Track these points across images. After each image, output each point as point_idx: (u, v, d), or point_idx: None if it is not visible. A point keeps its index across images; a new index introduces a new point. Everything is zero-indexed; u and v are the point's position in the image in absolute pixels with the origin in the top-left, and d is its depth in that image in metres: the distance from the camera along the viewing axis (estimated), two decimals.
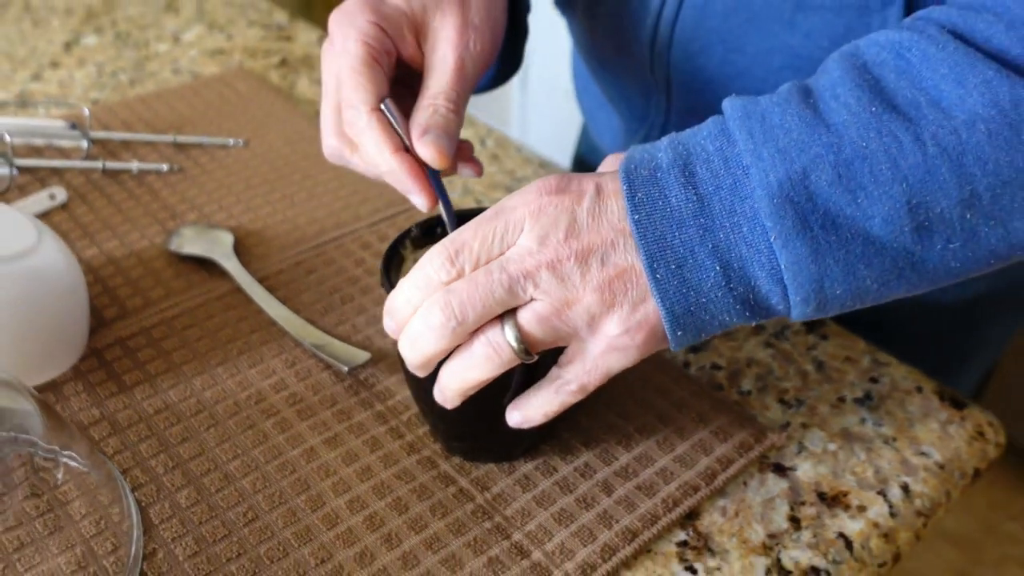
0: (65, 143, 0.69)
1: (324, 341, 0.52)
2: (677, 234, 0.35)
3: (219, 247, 0.59)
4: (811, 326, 0.55)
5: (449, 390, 0.38)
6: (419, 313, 0.36)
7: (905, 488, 0.46)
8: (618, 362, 0.37)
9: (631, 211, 0.35)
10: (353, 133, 0.43)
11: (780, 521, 0.44)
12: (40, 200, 0.63)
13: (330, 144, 0.45)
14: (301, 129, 0.73)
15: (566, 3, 0.64)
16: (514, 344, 0.36)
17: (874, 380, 0.52)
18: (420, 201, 0.42)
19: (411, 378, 0.42)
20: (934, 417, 0.49)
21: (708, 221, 0.34)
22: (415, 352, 0.37)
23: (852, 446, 0.48)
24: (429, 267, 0.36)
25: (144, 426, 0.47)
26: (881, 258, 0.34)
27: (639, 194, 0.35)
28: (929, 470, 0.47)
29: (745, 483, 0.46)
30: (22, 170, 0.66)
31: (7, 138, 0.65)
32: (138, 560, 0.41)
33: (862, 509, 0.44)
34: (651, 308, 0.35)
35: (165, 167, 0.67)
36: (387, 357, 0.51)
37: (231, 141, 0.70)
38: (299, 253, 0.59)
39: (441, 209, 0.43)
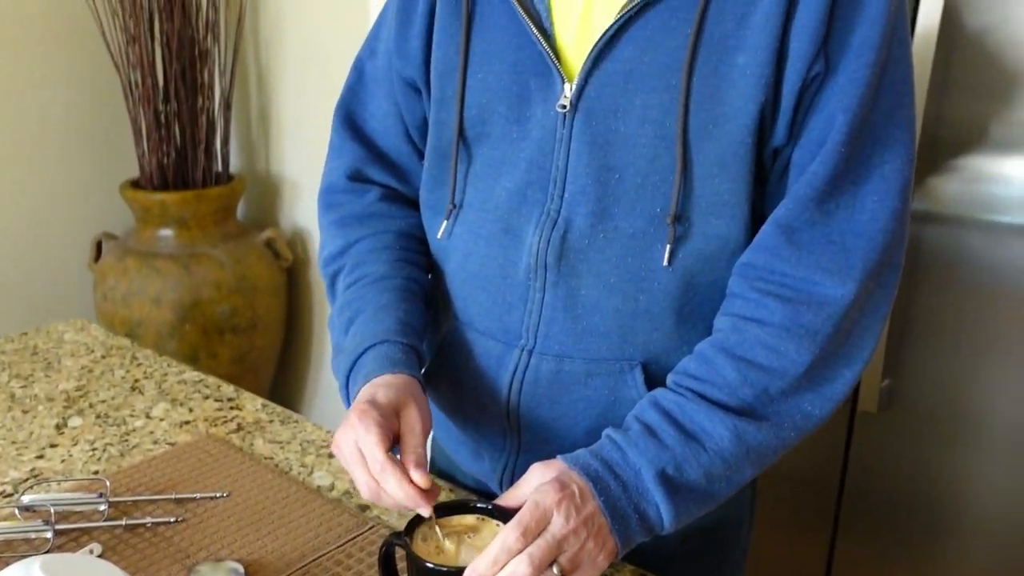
0: (85, 508, 0.90)
1: None
2: (617, 504, 0.70)
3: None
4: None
5: None
6: (509, 568, 0.64)
7: None
8: (599, 572, 0.69)
9: (596, 495, 0.70)
10: (380, 476, 0.71)
11: None
12: (84, 554, 0.83)
13: (370, 490, 0.73)
14: (268, 479, 0.97)
15: (429, 382, 0.95)
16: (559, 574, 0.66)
17: None
18: (425, 510, 0.71)
19: None
20: None
21: (629, 494, 0.71)
22: None
23: None
24: (509, 541, 0.64)
25: None
26: (697, 499, 0.73)
27: (598, 486, 0.69)
28: None
29: None
30: (57, 532, 0.86)
31: (52, 509, 0.86)
32: None
33: None
34: (612, 543, 0.70)
35: (172, 519, 0.89)
36: None
37: (217, 494, 0.94)
38: (291, 573, 0.82)
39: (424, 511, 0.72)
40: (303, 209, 2.51)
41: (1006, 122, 1.39)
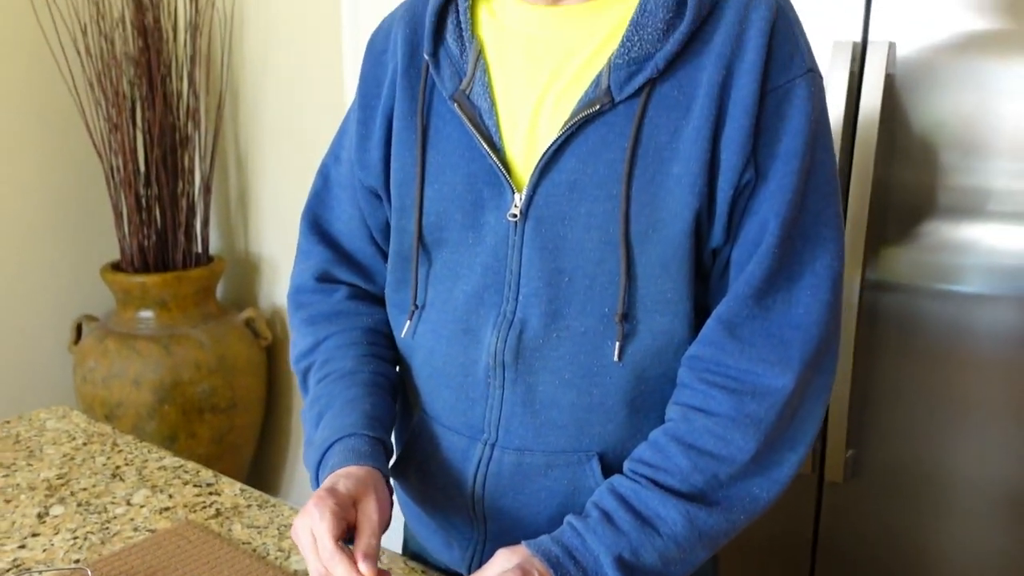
0: None
1: None
2: None
3: None
4: None
5: None
6: None
7: None
8: None
9: None
10: (329, 564, 0.74)
11: None
12: None
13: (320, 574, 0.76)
14: (246, 565, 1.00)
15: (399, 471, 0.99)
16: None
17: None
18: None
19: None
20: None
21: None
22: None
23: None
24: None
25: None
26: None
27: (559, 572, 0.73)
28: None
29: None
30: None
31: None
32: None
33: None
34: None
35: None
36: None
37: None
38: None
39: None
40: (282, 289, 2.56)
41: (950, 189, 1.46)
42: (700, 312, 0.83)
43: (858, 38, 1.49)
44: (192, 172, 2.47)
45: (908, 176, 1.50)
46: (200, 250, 2.52)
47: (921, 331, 1.55)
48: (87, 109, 2.36)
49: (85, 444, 1.31)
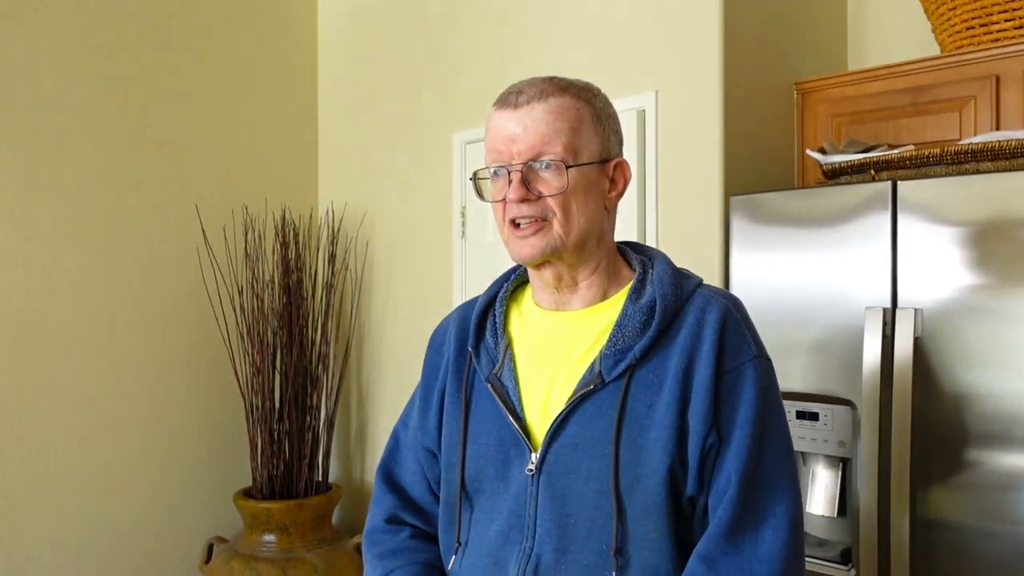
0: None
1: None
2: None
3: None
4: None
5: None
6: None
7: None
8: None
9: None
10: None
11: None
12: None
13: None
14: None
15: None
16: None
17: None
18: None
19: None
20: None
21: None
22: None
23: None
24: None
25: None
26: None
27: None
28: None
29: None
30: None
31: None
32: None
33: None
34: None
35: None
36: None
37: None
38: None
39: None
40: None
41: (980, 417, 1.60)
42: (683, 548, 1.01)
43: (888, 304, 1.70)
44: (318, 409, 2.80)
45: (942, 413, 1.65)
46: (320, 478, 2.80)
47: (979, 569, 1.61)
48: (236, 355, 2.76)
49: None
